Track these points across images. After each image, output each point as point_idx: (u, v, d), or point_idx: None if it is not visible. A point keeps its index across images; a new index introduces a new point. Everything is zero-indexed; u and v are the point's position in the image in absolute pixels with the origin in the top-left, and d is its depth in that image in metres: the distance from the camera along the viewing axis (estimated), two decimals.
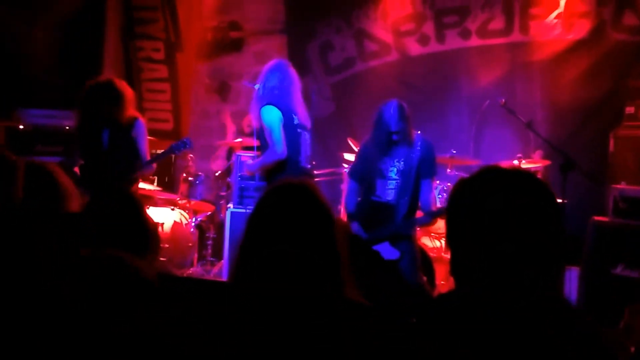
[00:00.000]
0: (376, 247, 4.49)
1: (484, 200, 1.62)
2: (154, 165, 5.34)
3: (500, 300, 1.55)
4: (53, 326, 1.44)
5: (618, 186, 5.78)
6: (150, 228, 2.42)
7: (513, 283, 1.56)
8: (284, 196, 2.02)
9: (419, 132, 4.81)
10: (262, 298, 1.90)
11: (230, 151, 7.38)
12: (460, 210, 1.67)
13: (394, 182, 4.69)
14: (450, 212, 1.70)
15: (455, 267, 1.67)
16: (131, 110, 5.23)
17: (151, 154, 5.45)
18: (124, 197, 2.44)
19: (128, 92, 5.28)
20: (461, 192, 1.70)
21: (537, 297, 1.55)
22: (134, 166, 5.13)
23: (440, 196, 6.00)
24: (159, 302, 1.59)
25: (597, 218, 5.47)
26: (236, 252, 2.02)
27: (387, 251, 4.52)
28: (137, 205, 2.44)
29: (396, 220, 4.63)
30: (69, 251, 1.58)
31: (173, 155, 7.85)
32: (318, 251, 1.93)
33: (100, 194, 2.48)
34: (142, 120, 5.24)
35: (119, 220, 2.34)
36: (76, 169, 5.35)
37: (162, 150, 5.43)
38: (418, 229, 5.09)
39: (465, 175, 6.16)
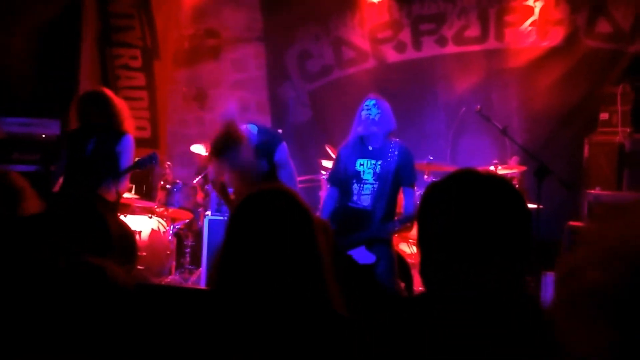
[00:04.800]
0: (352, 252, 4.50)
1: (453, 204, 1.65)
2: (126, 184, 5.32)
3: (467, 303, 1.57)
4: (31, 338, 1.43)
5: (593, 191, 5.85)
6: (115, 237, 2.39)
7: (479, 284, 1.58)
8: (263, 201, 2.02)
9: (397, 139, 4.85)
10: (243, 308, 1.89)
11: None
12: (431, 213, 1.69)
13: (370, 186, 4.72)
14: (421, 215, 1.73)
15: (424, 270, 1.69)
16: (124, 124, 5.25)
17: None
18: (85, 205, 2.41)
19: (121, 104, 5.31)
20: (432, 196, 1.73)
21: (505, 299, 1.58)
22: (107, 176, 5.12)
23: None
24: (137, 311, 1.58)
25: (572, 223, 5.53)
26: (215, 259, 2.02)
27: (362, 255, 4.53)
28: (98, 213, 2.41)
29: (372, 225, 4.64)
30: (41, 259, 1.57)
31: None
32: (299, 256, 1.93)
33: (60, 201, 2.47)
34: (130, 137, 5.24)
35: (79, 228, 2.32)
36: (60, 180, 5.36)
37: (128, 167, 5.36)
38: (396, 235, 5.11)
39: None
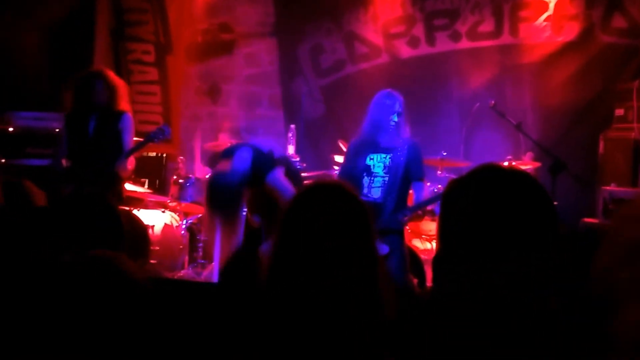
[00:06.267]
0: None
1: (473, 199, 1.63)
2: (132, 162, 5.30)
3: (489, 297, 1.56)
4: (41, 332, 1.42)
5: (608, 188, 5.81)
6: (126, 230, 2.38)
7: (494, 280, 1.57)
8: (321, 195, 1.97)
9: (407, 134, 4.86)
10: (296, 303, 1.83)
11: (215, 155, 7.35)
12: (450, 209, 1.67)
13: (380, 179, 4.73)
14: (441, 210, 1.71)
15: (439, 264, 1.68)
16: (122, 104, 5.27)
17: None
18: (96, 199, 2.41)
19: (120, 84, 5.33)
20: (452, 191, 1.71)
21: (518, 296, 1.56)
22: (116, 157, 5.14)
23: None
24: (151, 305, 1.57)
25: (587, 220, 5.49)
26: (271, 251, 1.95)
27: None
28: (110, 207, 2.41)
29: (383, 217, 4.64)
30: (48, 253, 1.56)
31: (164, 158, 7.84)
32: (355, 250, 1.88)
33: (71, 197, 2.46)
34: (129, 115, 5.28)
35: (91, 223, 2.31)
36: (63, 162, 5.38)
37: (141, 140, 5.37)
38: (408, 229, 5.10)
39: (455, 176, 6.20)
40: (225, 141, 7.31)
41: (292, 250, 1.89)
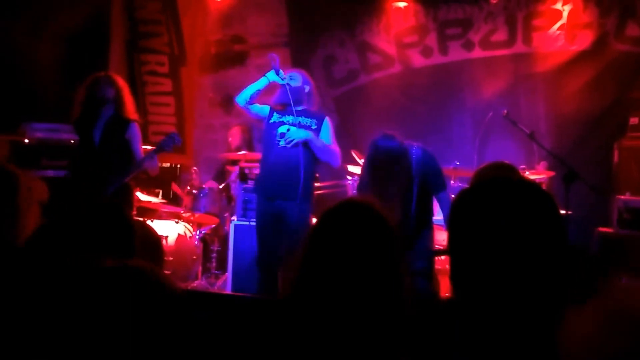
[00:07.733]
0: None
1: (486, 211, 1.62)
2: (156, 163, 5.26)
3: (497, 312, 1.55)
4: (72, 341, 1.41)
5: (622, 197, 5.78)
6: (140, 241, 2.37)
7: (512, 295, 1.56)
8: (349, 213, 1.95)
9: (418, 143, 4.79)
10: (315, 319, 1.82)
11: (224, 165, 7.39)
12: (460, 220, 1.67)
13: None
14: (451, 221, 1.70)
15: (455, 277, 1.67)
16: (130, 112, 5.25)
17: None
18: (104, 207, 2.40)
19: (126, 89, 5.31)
20: (461, 202, 1.70)
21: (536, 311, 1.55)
22: (127, 167, 5.12)
23: None
24: (188, 316, 1.56)
25: (601, 229, 5.46)
26: (295, 263, 1.94)
27: None
28: (118, 214, 2.39)
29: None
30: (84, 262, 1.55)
31: (177, 169, 7.87)
32: (379, 272, 1.85)
33: (79, 204, 2.45)
34: (136, 124, 5.25)
35: (99, 230, 2.30)
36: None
37: (152, 149, 5.33)
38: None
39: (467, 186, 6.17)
40: (236, 136, 7.33)
41: (316, 267, 1.88)
